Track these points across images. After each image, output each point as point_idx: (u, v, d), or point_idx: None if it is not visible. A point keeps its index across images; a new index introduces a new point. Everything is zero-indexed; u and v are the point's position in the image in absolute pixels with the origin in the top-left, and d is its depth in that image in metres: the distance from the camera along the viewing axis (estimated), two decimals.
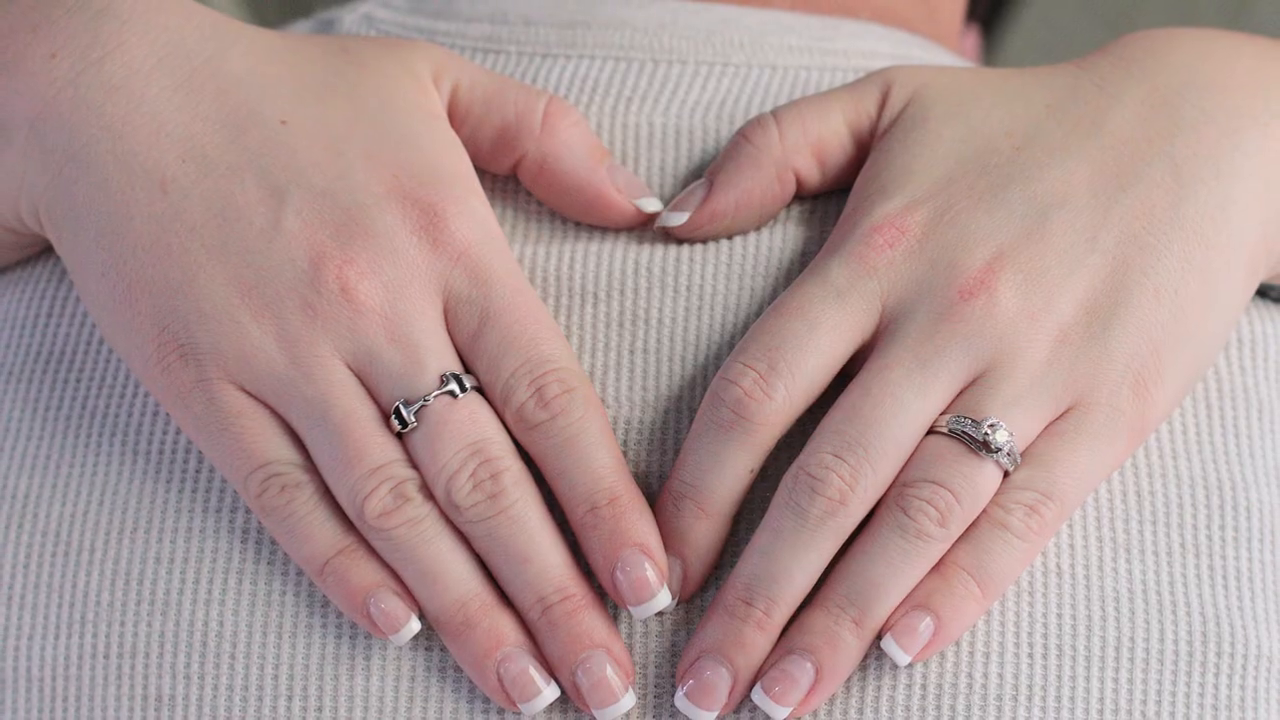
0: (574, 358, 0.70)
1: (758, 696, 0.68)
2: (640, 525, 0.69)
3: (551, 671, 0.69)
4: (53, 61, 0.71)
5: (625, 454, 0.72)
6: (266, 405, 0.69)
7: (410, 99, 0.73)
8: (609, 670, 0.69)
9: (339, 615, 0.70)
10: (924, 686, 0.69)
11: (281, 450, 0.69)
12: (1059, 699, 0.69)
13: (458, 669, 0.70)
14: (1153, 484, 0.72)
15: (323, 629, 0.70)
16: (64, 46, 0.72)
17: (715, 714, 0.69)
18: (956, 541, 0.69)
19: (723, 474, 0.69)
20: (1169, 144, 0.72)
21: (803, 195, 0.76)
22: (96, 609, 0.71)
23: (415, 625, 0.69)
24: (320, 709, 0.70)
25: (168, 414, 0.72)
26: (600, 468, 0.69)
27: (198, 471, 0.72)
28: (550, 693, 0.69)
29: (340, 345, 0.69)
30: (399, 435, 0.69)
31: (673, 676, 0.70)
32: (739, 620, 0.68)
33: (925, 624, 0.68)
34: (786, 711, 0.68)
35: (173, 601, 0.71)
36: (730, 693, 0.69)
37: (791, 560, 0.68)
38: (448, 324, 0.70)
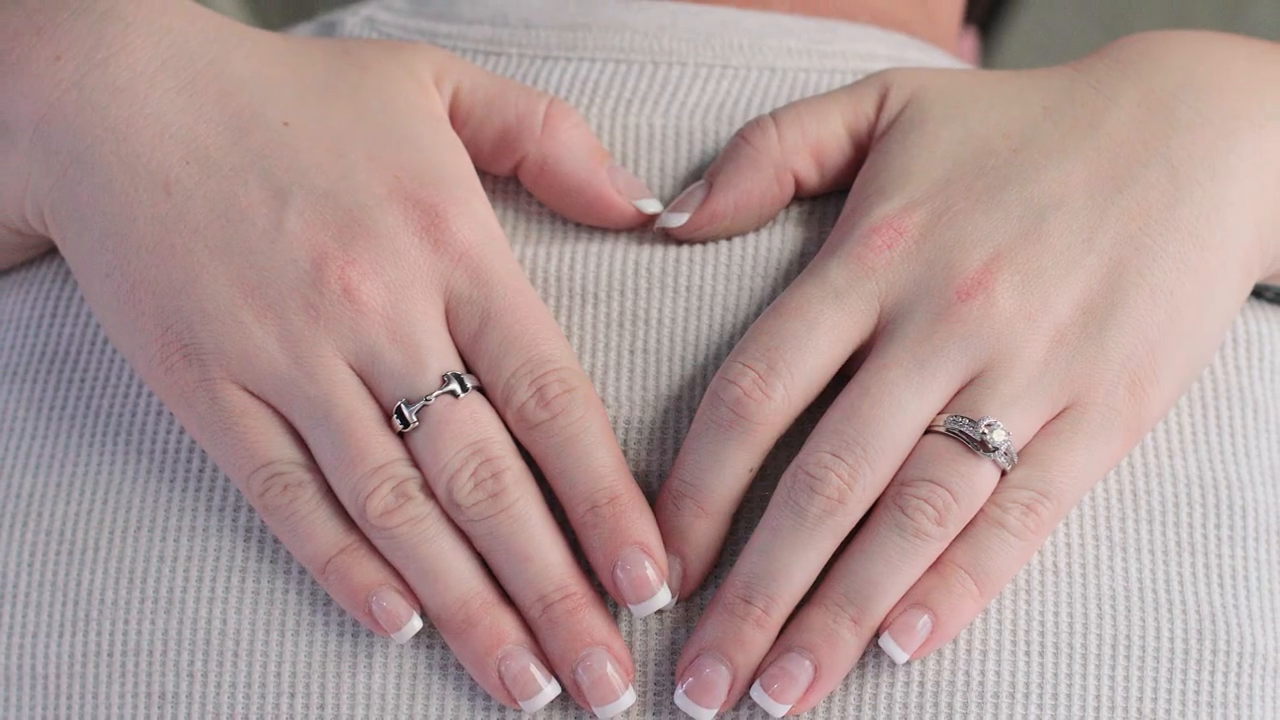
0: (574, 358, 0.71)
1: (757, 694, 0.69)
2: (640, 524, 0.69)
3: (552, 669, 0.69)
4: (57, 64, 0.72)
5: (625, 453, 0.72)
6: (269, 405, 0.70)
7: (412, 101, 0.73)
8: (609, 668, 0.69)
9: (341, 613, 0.70)
10: (921, 684, 0.70)
11: (284, 450, 0.70)
12: (1055, 696, 0.70)
13: (459, 667, 0.70)
14: (1149, 483, 0.72)
15: (325, 627, 0.70)
16: (68, 49, 0.72)
17: (714, 711, 0.69)
18: (954, 540, 0.69)
19: (722, 473, 0.70)
20: (1165, 145, 0.72)
21: (801, 196, 0.76)
22: (100, 607, 0.71)
23: (417, 623, 0.69)
24: (322, 706, 0.70)
25: (171, 414, 0.72)
26: (600, 467, 0.69)
27: (201, 471, 0.72)
28: (551, 690, 0.69)
29: (342, 345, 0.69)
30: (401, 435, 0.69)
31: (672, 674, 0.70)
32: (738, 618, 0.69)
33: (923, 622, 0.68)
34: (785, 709, 0.68)
35: (176, 599, 0.71)
36: (729, 690, 0.69)
37: (790, 559, 0.68)
38: (449, 324, 0.71)
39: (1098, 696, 0.70)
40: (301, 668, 0.70)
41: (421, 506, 0.69)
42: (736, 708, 0.70)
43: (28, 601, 0.72)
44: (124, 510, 0.72)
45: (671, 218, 0.74)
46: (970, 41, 1.10)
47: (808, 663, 0.68)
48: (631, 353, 0.73)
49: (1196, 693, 0.70)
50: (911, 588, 0.69)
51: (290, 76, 0.73)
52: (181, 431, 0.73)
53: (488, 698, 0.70)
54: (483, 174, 0.76)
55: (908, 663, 0.70)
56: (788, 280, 0.74)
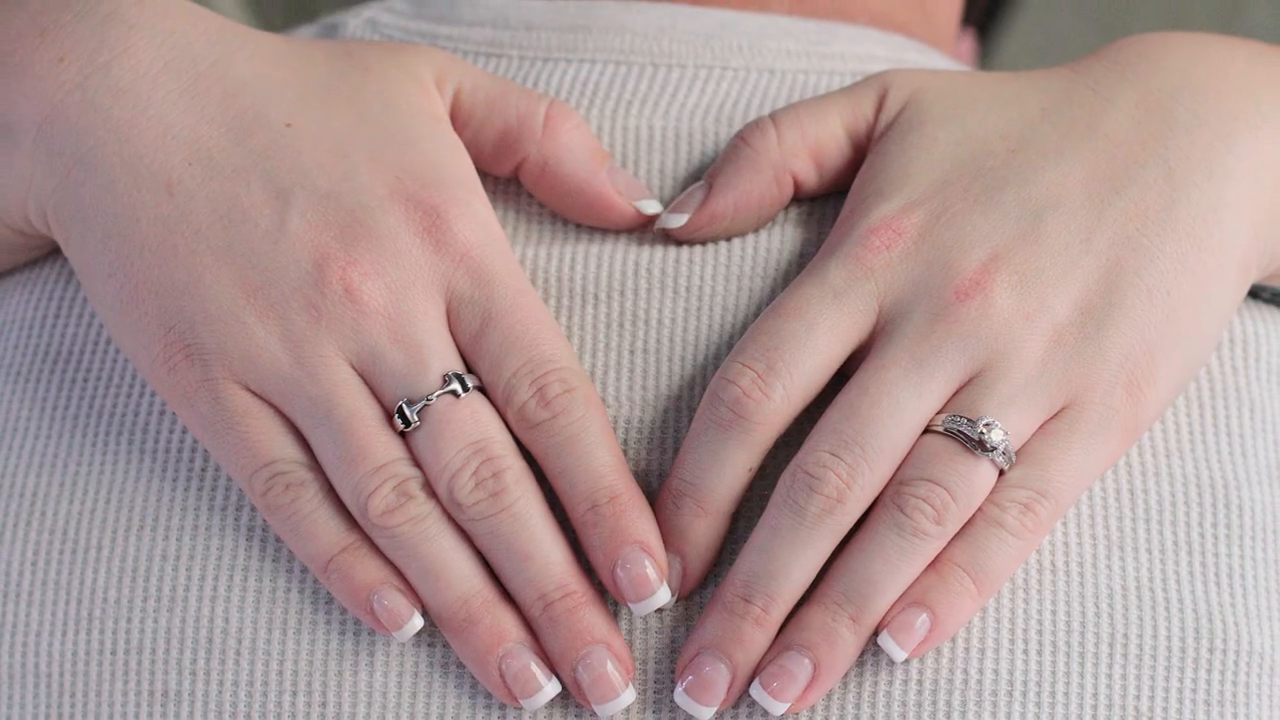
0: (575, 358, 0.71)
1: (756, 692, 0.69)
2: (640, 523, 0.70)
3: (552, 667, 0.70)
4: (60, 65, 0.72)
5: (625, 453, 0.72)
6: (271, 405, 0.70)
7: (413, 102, 0.73)
8: (609, 666, 0.69)
9: (343, 612, 0.71)
10: (920, 682, 0.70)
11: (286, 449, 0.70)
12: (1053, 694, 0.70)
13: (460, 665, 0.70)
14: (1146, 482, 0.73)
15: (327, 625, 0.71)
16: (71, 51, 0.72)
17: (714, 709, 0.69)
18: (952, 539, 0.69)
19: (722, 472, 0.70)
20: (1162, 146, 0.72)
21: (800, 197, 0.76)
22: (104, 606, 0.71)
23: (418, 622, 0.69)
24: (324, 704, 0.70)
25: (174, 413, 0.73)
26: (601, 466, 0.70)
27: (204, 470, 0.73)
28: (551, 688, 0.69)
29: (344, 345, 0.70)
30: (402, 434, 0.70)
31: (672, 672, 0.71)
32: (738, 617, 0.69)
33: (921, 620, 0.69)
34: (784, 707, 0.69)
35: (179, 598, 0.71)
36: (729, 688, 0.69)
37: (789, 557, 0.69)
38: (450, 324, 0.71)
39: (1095, 694, 0.70)
40: (304, 666, 0.70)
41: (423, 506, 0.69)
42: (736, 706, 0.70)
43: (31, 600, 0.72)
44: (127, 509, 0.72)
45: (671, 218, 0.75)
46: (968, 43, 1.10)
47: (807, 661, 0.68)
48: (631, 353, 0.74)
49: (1194, 691, 0.70)
50: (910, 586, 0.69)
51: (292, 78, 0.73)
52: (184, 431, 0.73)
53: (489, 696, 0.70)
54: (483, 175, 0.76)
55: (906, 661, 0.70)
56: (787, 281, 0.74)
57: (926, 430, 0.69)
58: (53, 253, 0.77)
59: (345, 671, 0.70)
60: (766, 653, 0.69)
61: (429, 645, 0.71)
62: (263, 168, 0.71)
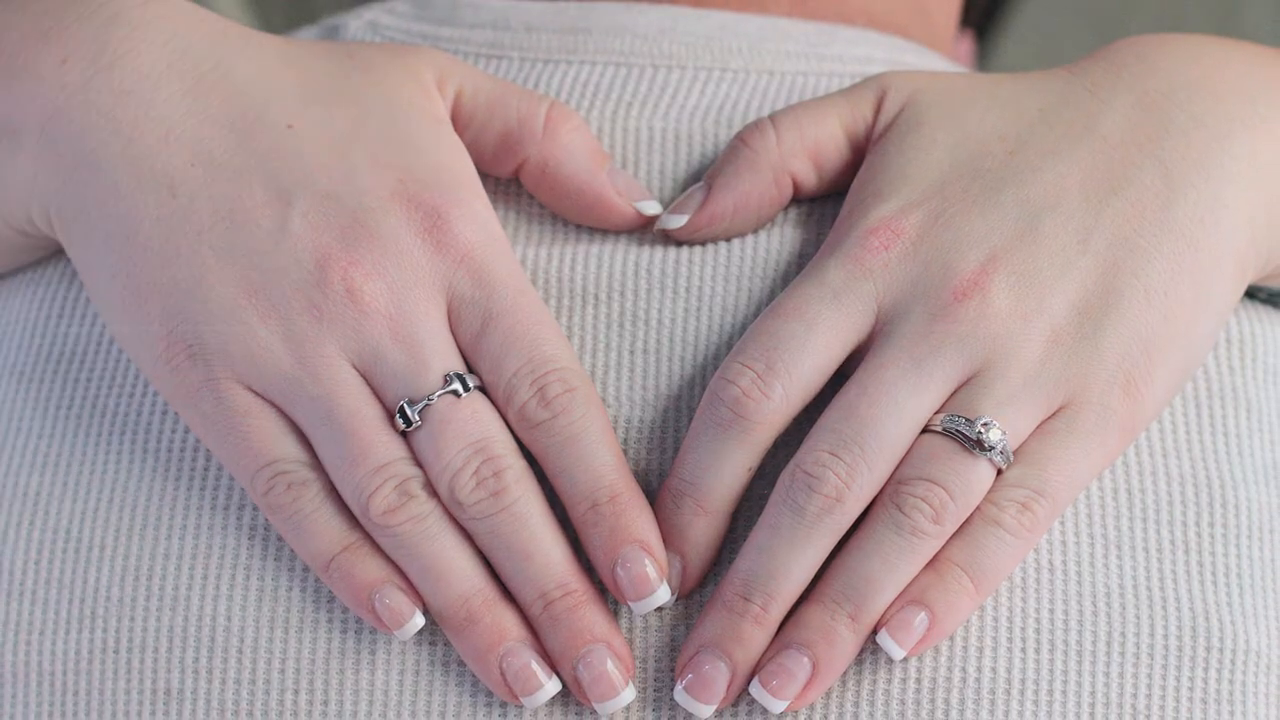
0: (575, 358, 0.71)
1: (755, 690, 0.69)
2: (640, 522, 0.70)
3: (553, 666, 0.70)
4: (64, 67, 0.72)
5: (625, 452, 0.73)
6: (273, 405, 0.70)
7: (415, 104, 0.73)
8: (609, 664, 0.69)
9: (344, 610, 0.71)
10: (918, 681, 0.70)
11: (288, 449, 0.70)
12: (1050, 693, 0.70)
13: (461, 663, 0.71)
14: (1143, 481, 0.73)
15: (329, 624, 0.71)
16: (75, 52, 0.72)
17: (714, 707, 0.69)
18: (950, 538, 0.69)
19: (721, 472, 0.70)
20: (1159, 147, 0.73)
21: (800, 198, 0.76)
22: (106, 604, 0.72)
23: (419, 620, 0.69)
24: (326, 702, 0.70)
25: (177, 413, 0.73)
26: (601, 466, 0.70)
27: (206, 469, 0.73)
28: (552, 686, 0.70)
29: (345, 345, 0.70)
30: (403, 434, 0.70)
31: (672, 670, 0.71)
32: (737, 615, 0.69)
33: (920, 619, 0.69)
34: (784, 705, 0.69)
35: (181, 597, 0.71)
36: (728, 686, 0.69)
37: (788, 556, 0.69)
38: (451, 325, 0.71)
39: (1092, 693, 0.70)
40: (305, 664, 0.71)
41: (424, 505, 0.69)
42: (735, 704, 0.70)
43: (35, 599, 0.72)
44: (130, 509, 0.72)
45: (671, 219, 0.75)
46: (966, 45, 1.10)
47: (806, 659, 0.69)
48: (631, 353, 0.74)
49: (1190, 689, 0.71)
50: (908, 585, 0.69)
51: (294, 79, 0.73)
52: (186, 431, 0.73)
53: (489, 694, 0.70)
54: (484, 176, 0.76)
55: (904, 659, 0.70)
56: (786, 281, 0.75)
57: (925, 430, 0.70)
58: (56, 253, 0.77)
59: (347, 670, 0.70)
60: (766, 651, 0.70)
61: (430, 644, 0.71)
62: (265, 168, 0.71)
